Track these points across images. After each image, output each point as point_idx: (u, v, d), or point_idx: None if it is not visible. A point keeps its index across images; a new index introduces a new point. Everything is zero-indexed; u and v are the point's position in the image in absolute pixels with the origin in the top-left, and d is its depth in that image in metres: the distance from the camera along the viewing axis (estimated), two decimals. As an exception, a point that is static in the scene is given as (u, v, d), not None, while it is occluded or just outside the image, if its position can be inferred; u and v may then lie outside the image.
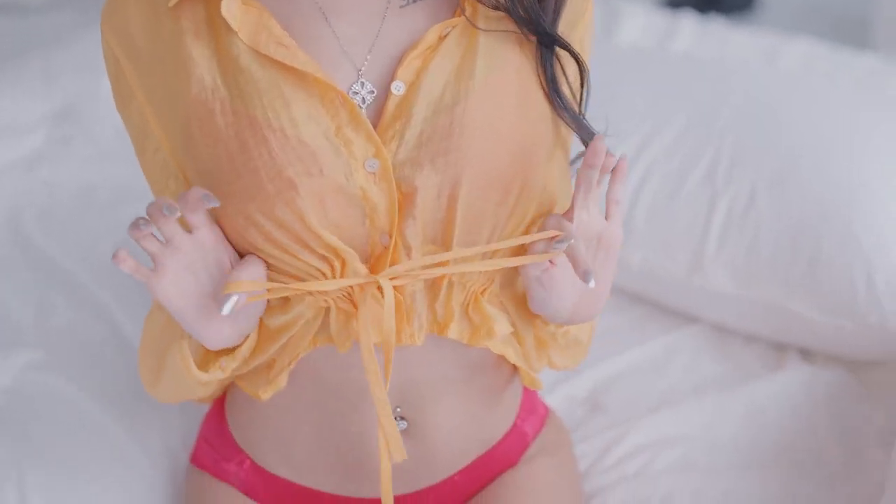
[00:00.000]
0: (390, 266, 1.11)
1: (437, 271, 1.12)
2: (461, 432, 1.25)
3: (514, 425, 1.34)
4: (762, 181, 1.63)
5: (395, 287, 1.13)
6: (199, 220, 1.08)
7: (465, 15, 1.12)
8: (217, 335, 1.13)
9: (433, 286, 1.15)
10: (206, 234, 1.09)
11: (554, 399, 1.58)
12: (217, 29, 1.10)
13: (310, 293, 1.13)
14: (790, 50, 2.24)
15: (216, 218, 1.12)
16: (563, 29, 1.16)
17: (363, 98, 1.12)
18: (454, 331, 1.16)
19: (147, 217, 1.04)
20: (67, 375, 1.56)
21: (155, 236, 1.06)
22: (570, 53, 1.15)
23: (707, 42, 2.29)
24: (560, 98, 1.16)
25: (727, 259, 1.62)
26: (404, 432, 1.22)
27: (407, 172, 1.10)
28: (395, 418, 1.21)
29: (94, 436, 1.47)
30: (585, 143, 1.17)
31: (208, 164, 1.10)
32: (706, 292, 1.64)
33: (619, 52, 2.05)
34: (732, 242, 1.62)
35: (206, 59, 1.10)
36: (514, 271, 1.19)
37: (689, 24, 2.35)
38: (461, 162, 1.10)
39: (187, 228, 1.09)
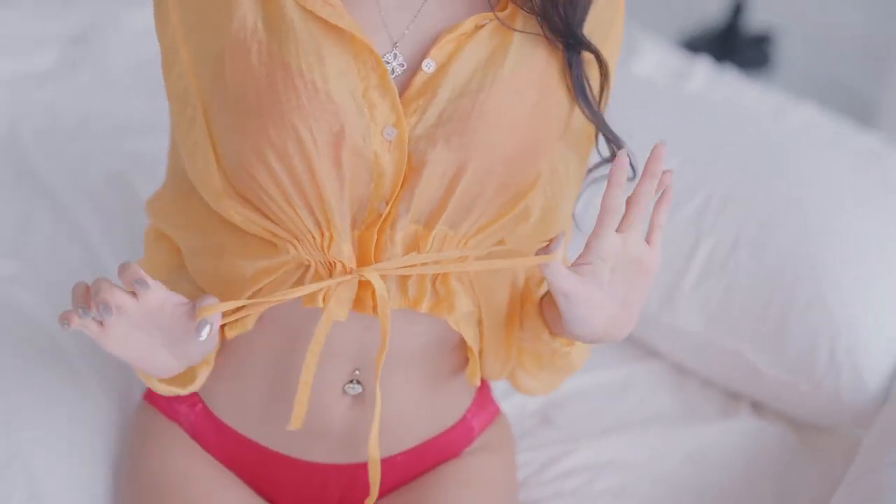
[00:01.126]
0: (375, 244, 1.15)
1: (418, 270, 1.17)
2: (410, 410, 1.28)
3: (463, 418, 1.36)
4: (747, 232, 1.65)
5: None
6: (140, 290, 1.09)
7: (496, 15, 1.15)
8: (174, 370, 1.18)
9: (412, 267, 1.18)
10: (151, 297, 1.10)
11: (506, 405, 1.59)
12: None
13: (293, 244, 1.16)
14: (796, 112, 2.26)
15: (230, 150, 1.13)
16: (593, 38, 1.20)
17: (393, 69, 1.15)
18: (424, 304, 1.20)
19: (81, 308, 1.07)
20: (38, 292, 1.57)
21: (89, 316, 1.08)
22: (597, 58, 1.19)
23: (718, 89, 2.32)
24: (585, 98, 1.20)
25: (700, 301, 1.64)
26: (357, 397, 1.24)
27: (421, 147, 1.13)
28: (353, 381, 1.23)
29: (53, 356, 1.49)
30: (608, 142, 1.23)
31: (233, 99, 1.13)
32: (673, 329, 1.66)
33: (631, 80, 2.07)
34: (708, 286, 1.64)
35: (251, 3, 1.12)
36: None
37: (703, 68, 2.38)
38: (473, 144, 1.14)
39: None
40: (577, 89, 1.20)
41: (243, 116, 1.12)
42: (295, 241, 1.16)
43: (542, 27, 1.16)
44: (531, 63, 1.17)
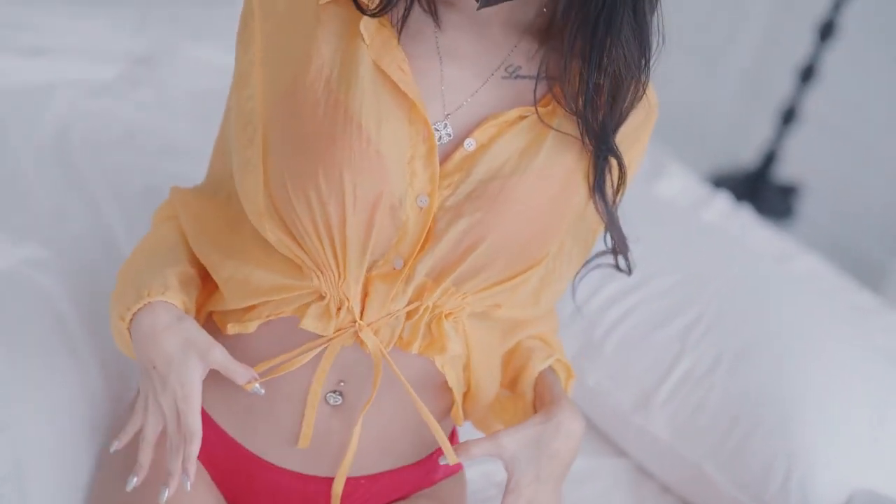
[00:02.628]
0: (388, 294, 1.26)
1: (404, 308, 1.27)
2: (381, 434, 1.34)
3: (430, 456, 1.42)
4: (727, 355, 1.73)
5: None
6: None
7: (537, 111, 1.26)
8: None
9: (406, 314, 1.28)
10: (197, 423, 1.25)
11: (471, 473, 1.66)
12: (352, 33, 1.23)
13: (317, 274, 1.26)
14: (802, 260, 2.35)
15: (278, 178, 1.23)
16: (621, 145, 1.29)
17: (440, 137, 1.25)
18: (414, 346, 1.29)
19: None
20: (60, 280, 1.66)
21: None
22: (619, 165, 1.29)
23: (732, 223, 2.42)
24: (604, 199, 1.29)
25: (672, 410, 1.72)
26: (337, 408, 1.32)
27: (447, 217, 1.24)
28: (336, 392, 1.31)
29: (59, 337, 1.57)
30: (614, 239, 1.34)
31: (293, 134, 1.23)
32: (642, 432, 1.74)
33: (652, 198, 2.17)
34: (682, 397, 1.72)
35: (332, 52, 1.23)
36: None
37: (722, 202, 2.48)
38: (494, 223, 1.24)
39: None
40: (598, 190, 1.29)
41: (298, 153, 1.22)
42: (319, 273, 1.26)
43: (579, 128, 1.26)
44: (561, 159, 1.27)
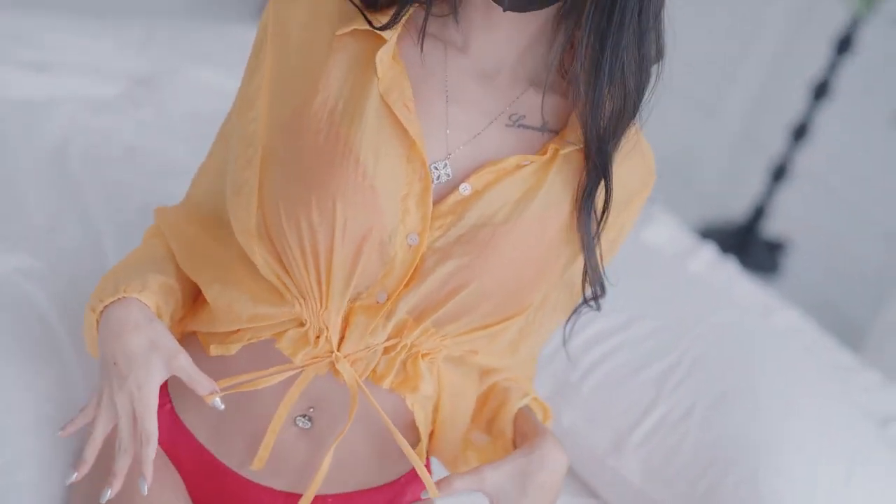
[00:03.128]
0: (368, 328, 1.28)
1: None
2: (350, 457, 1.36)
3: (397, 481, 1.43)
4: (702, 403, 1.76)
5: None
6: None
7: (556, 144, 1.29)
8: None
9: (384, 349, 1.30)
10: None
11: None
12: (363, 65, 1.26)
13: (300, 301, 1.28)
14: (783, 315, 2.39)
15: (272, 201, 1.26)
16: (618, 198, 1.32)
17: (438, 176, 1.27)
18: (387, 381, 1.31)
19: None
20: (50, 291, 1.67)
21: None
22: (606, 187, 1.29)
23: (717, 274, 2.45)
24: (590, 239, 1.31)
25: (645, 454, 1.74)
26: (305, 431, 1.33)
27: (434, 258, 1.26)
28: (304, 416, 1.33)
29: (46, 345, 1.59)
30: (588, 269, 1.33)
31: (291, 160, 1.25)
32: (614, 474, 1.76)
33: (640, 245, 2.20)
34: (655, 442, 1.74)
35: (340, 83, 1.25)
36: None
37: (708, 253, 2.51)
38: (480, 269, 1.26)
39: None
40: (585, 210, 1.30)
41: (294, 179, 1.24)
42: (301, 300, 1.28)
43: (585, 151, 1.28)
44: (555, 211, 1.29)
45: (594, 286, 1.36)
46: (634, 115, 1.28)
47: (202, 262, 1.37)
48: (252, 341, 1.32)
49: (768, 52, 4.22)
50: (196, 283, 1.37)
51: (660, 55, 1.29)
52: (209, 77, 2.39)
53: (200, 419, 1.38)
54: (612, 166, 1.28)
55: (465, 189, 1.27)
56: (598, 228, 1.32)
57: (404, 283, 1.26)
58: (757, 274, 3.81)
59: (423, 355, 1.31)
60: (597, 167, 1.28)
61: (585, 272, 1.35)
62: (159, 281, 1.32)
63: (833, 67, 3.69)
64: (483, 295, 1.28)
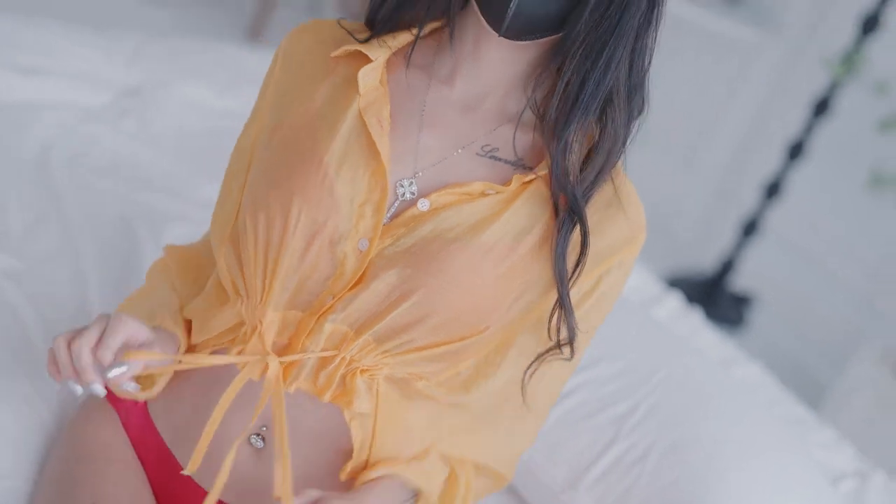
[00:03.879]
0: (306, 335, 1.31)
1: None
2: (300, 475, 1.36)
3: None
4: (659, 447, 1.79)
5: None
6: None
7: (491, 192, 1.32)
8: None
9: (323, 361, 1.32)
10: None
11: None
12: (351, 84, 1.33)
13: (241, 298, 1.33)
14: (744, 367, 2.42)
15: (244, 202, 1.33)
16: (601, 253, 1.34)
17: (404, 193, 1.31)
18: (327, 395, 1.32)
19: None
20: (27, 293, 1.70)
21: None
22: (583, 235, 1.31)
23: (681, 322, 2.48)
24: (562, 270, 1.31)
25: (599, 493, 1.76)
26: (259, 450, 1.35)
27: (379, 264, 1.29)
28: (258, 434, 1.35)
29: (20, 342, 1.61)
30: (565, 310, 1.33)
31: (265, 161, 1.33)
32: (568, 511, 1.79)
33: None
34: (611, 482, 1.77)
35: (324, 98, 1.33)
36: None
37: (674, 302, 2.55)
38: (423, 282, 1.28)
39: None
40: (559, 255, 1.31)
41: (261, 179, 1.31)
42: (246, 298, 1.32)
43: (552, 192, 1.30)
44: (514, 243, 1.31)
45: (570, 332, 1.35)
46: (612, 163, 1.32)
47: (194, 281, 1.45)
48: (216, 349, 1.36)
49: (748, 110, 4.29)
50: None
51: (641, 109, 1.33)
52: (195, 93, 2.42)
53: (168, 421, 1.41)
54: (584, 212, 1.30)
55: (423, 205, 1.30)
56: (572, 273, 1.33)
57: (349, 287, 1.29)
58: (723, 327, 3.85)
59: (361, 371, 1.32)
60: (569, 211, 1.31)
61: (553, 315, 1.34)
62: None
63: (810, 129, 3.75)
64: (425, 310, 1.28)
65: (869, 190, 3.58)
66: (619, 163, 1.36)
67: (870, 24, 3.59)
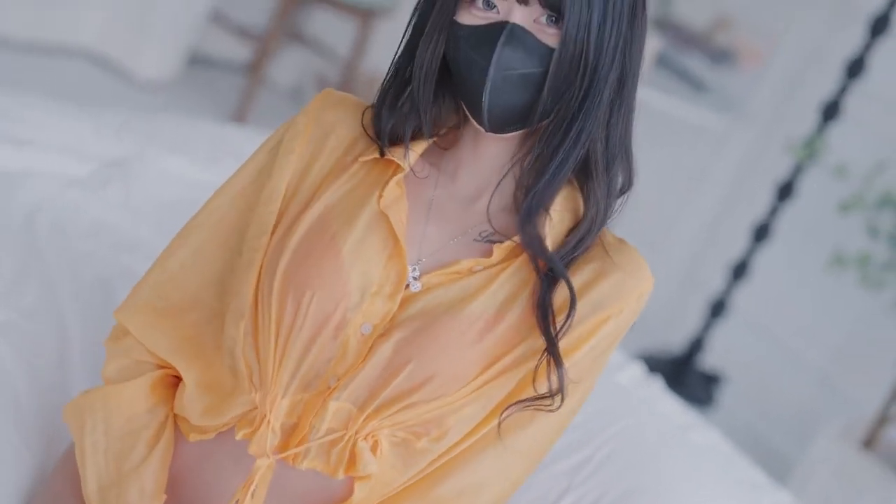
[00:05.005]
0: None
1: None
2: None
3: None
4: (610, 496, 1.87)
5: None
6: None
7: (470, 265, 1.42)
8: None
9: (333, 441, 1.39)
10: None
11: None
12: (369, 184, 1.45)
13: (255, 386, 1.41)
14: (702, 434, 2.49)
15: (263, 279, 1.42)
16: (590, 302, 1.41)
17: (409, 282, 1.41)
18: (340, 472, 1.38)
19: None
20: (12, 345, 1.78)
21: None
22: (569, 289, 1.39)
23: (642, 390, 2.56)
24: (547, 320, 1.38)
25: (553, 541, 1.85)
26: None
27: (377, 343, 1.38)
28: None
29: (4, 387, 1.69)
30: (555, 361, 1.39)
31: (284, 240, 1.42)
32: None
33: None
34: (564, 530, 1.85)
35: (342, 193, 1.44)
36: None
37: (636, 369, 2.63)
38: (414, 353, 1.36)
39: None
40: (541, 309, 1.38)
41: (279, 257, 1.40)
42: (259, 387, 1.40)
43: (530, 256, 1.39)
44: (504, 310, 1.40)
45: (560, 383, 1.39)
46: (594, 232, 1.42)
47: (186, 352, 1.48)
48: (225, 428, 1.42)
49: (716, 194, 4.42)
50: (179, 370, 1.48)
51: (628, 184, 1.45)
52: (177, 166, 2.52)
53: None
54: (564, 271, 1.38)
55: (415, 286, 1.40)
56: (562, 325, 1.38)
57: (353, 368, 1.37)
58: (692, 405, 3.93)
59: (364, 438, 1.37)
60: (550, 271, 1.39)
61: (538, 366, 1.39)
62: (153, 471, 1.44)
63: (774, 211, 3.88)
64: (419, 378, 1.36)
65: (830, 270, 3.69)
66: (606, 231, 1.46)
67: (830, 111, 3.73)
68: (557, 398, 1.41)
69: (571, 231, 1.42)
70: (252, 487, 1.37)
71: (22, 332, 1.84)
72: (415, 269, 1.41)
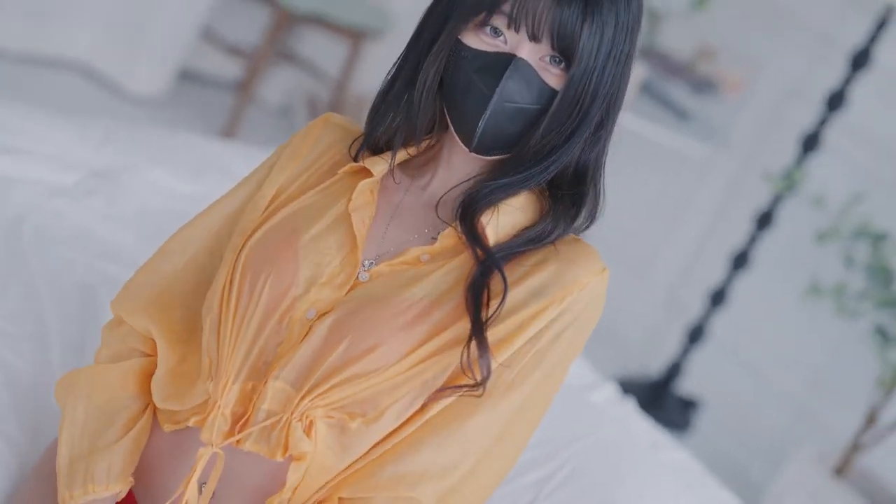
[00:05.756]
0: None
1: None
2: None
3: None
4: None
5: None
6: None
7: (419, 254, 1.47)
8: None
9: (273, 424, 1.42)
10: None
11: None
12: (344, 189, 1.51)
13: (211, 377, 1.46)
14: (672, 452, 2.53)
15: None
16: (529, 292, 1.44)
17: (359, 273, 1.46)
18: (278, 454, 1.41)
19: None
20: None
21: None
22: (504, 284, 1.41)
23: (616, 410, 2.60)
24: (476, 304, 1.41)
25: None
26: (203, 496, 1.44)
27: (316, 323, 1.42)
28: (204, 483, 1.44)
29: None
30: (479, 345, 1.40)
31: (252, 238, 1.49)
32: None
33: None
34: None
35: (314, 195, 1.51)
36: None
37: (609, 390, 2.67)
38: (348, 331, 1.40)
39: None
40: (472, 292, 1.41)
41: (245, 247, 1.48)
42: (214, 376, 1.44)
43: (469, 245, 1.44)
44: (443, 298, 1.43)
45: (481, 368, 1.39)
46: (541, 240, 1.46)
47: (169, 340, 1.53)
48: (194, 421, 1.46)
49: (698, 222, 4.47)
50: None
51: (593, 211, 1.48)
52: (160, 177, 2.57)
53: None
54: (498, 261, 1.42)
55: (363, 276, 1.45)
56: (492, 314, 1.40)
57: (294, 350, 1.41)
58: (669, 429, 3.97)
59: (298, 419, 1.39)
60: (483, 261, 1.43)
61: (464, 350, 1.40)
62: (124, 452, 1.48)
63: (753, 240, 3.93)
64: (350, 356, 1.39)
65: (807, 299, 3.73)
66: (574, 238, 1.49)
67: (810, 143, 3.79)
68: (482, 385, 1.40)
69: (522, 231, 1.46)
70: (195, 476, 1.40)
71: (2, 334, 1.87)
72: (370, 262, 1.46)
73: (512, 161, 1.45)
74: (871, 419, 3.45)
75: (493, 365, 1.41)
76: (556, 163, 1.44)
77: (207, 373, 1.45)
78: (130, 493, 1.51)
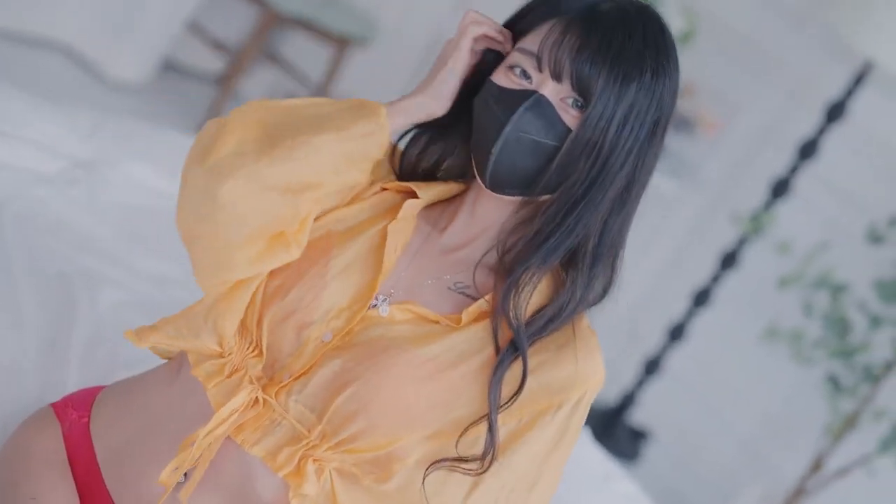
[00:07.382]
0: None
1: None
2: None
3: None
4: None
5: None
6: None
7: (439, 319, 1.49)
8: None
9: (291, 438, 1.44)
10: None
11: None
12: (386, 208, 1.53)
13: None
14: (622, 483, 2.58)
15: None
16: (540, 385, 1.47)
17: (376, 305, 1.48)
18: (283, 472, 1.43)
19: None
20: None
21: None
22: (524, 367, 1.44)
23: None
24: (495, 394, 1.44)
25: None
26: (179, 484, 1.46)
27: (330, 354, 1.45)
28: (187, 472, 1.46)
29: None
30: (491, 435, 1.43)
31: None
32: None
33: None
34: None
35: (357, 211, 1.53)
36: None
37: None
38: (360, 374, 1.42)
39: None
40: (496, 382, 1.44)
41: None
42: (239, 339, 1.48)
43: (492, 325, 1.46)
44: (457, 361, 1.45)
45: (487, 449, 1.43)
46: (563, 318, 1.48)
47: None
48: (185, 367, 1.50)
49: (662, 257, 4.53)
50: None
51: (607, 286, 1.54)
52: (142, 173, 2.58)
53: (106, 441, 1.52)
54: (525, 348, 1.44)
55: (384, 311, 1.47)
56: (507, 401, 1.43)
57: (304, 370, 1.44)
58: (617, 459, 4.01)
59: (314, 460, 1.42)
60: (512, 344, 1.45)
61: (469, 428, 1.44)
62: None
63: (716, 279, 3.99)
64: (360, 402, 1.41)
65: (763, 342, 3.80)
66: (584, 317, 1.53)
67: (780, 188, 3.85)
68: (481, 463, 1.43)
69: (539, 311, 1.48)
70: (193, 447, 1.41)
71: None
72: (385, 299, 1.48)
73: (539, 215, 1.46)
74: (817, 465, 3.52)
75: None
76: (580, 223, 1.45)
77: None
78: (101, 483, 1.51)
